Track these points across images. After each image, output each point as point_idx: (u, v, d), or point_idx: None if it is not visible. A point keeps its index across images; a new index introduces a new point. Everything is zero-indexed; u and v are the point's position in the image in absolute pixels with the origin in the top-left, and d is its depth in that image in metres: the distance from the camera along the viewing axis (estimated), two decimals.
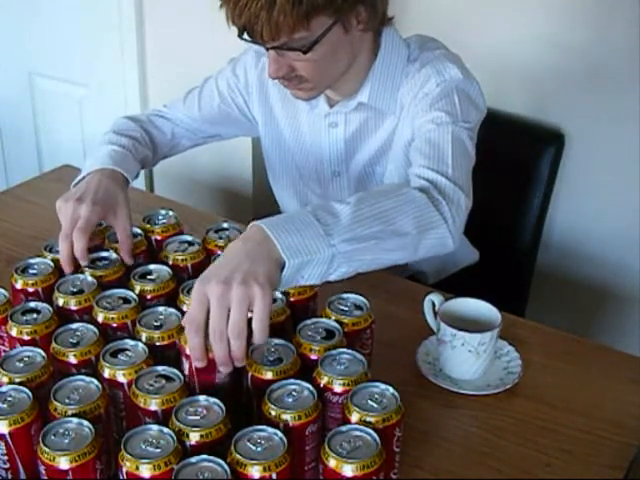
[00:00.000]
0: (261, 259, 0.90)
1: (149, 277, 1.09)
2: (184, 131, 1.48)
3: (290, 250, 0.91)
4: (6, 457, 0.85)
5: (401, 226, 1.00)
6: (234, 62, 1.47)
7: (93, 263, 1.12)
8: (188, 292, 1.05)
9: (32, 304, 1.03)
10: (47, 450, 0.79)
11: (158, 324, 0.99)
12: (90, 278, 1.08)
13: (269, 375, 0.90)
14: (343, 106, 1.33)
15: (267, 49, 1.15)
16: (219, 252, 1.15)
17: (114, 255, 1.14)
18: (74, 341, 0.96)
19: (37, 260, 1.12)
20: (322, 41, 1.14)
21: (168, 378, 0.90)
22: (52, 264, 1.11)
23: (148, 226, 1.21)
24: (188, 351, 0.89)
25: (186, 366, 0.92)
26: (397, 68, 1.28)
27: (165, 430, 0.82)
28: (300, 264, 0.92)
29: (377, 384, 0.89)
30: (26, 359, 0.93)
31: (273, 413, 0.85)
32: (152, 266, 1.11)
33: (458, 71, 1.24)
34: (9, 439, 0.84)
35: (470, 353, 1.07)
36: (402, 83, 1.28)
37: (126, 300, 1.03)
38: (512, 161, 1.37)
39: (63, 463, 0.79)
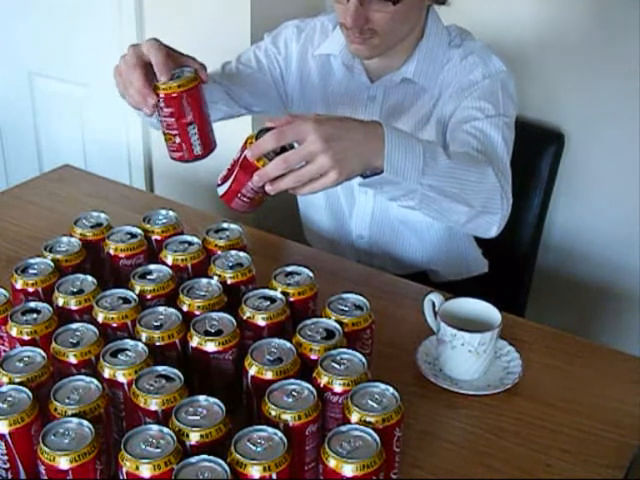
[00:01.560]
0: (364, 154, 1.02)
1: (149, 277, 1.09)
2: (224, 94, 1.44)
3: (391, 165, 1.02)
4: (6, 457, 0.85)
5: (473, 199, 1.14)
6: (273, 35, 1.50)
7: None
8: (188, 292, 1.05)
9: (32, 304, 1.03)
10: (47, 450, 0.79)
11: (158, 324, 0.99)
12: (90, 278, 1.08)
13: (269, 375, 0.90)
14: (387, 80, 1.38)
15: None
16: (219, 252, 1.15)
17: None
18: (74, 341, 0.96)
19: (37, 260, 1.12)
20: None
21: (168, 378, 0.90)
22: (52, 264, 1.11)
23: (148, 226, 1.21)
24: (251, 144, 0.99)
25: (236, 156, 1.02)
26: (440, 49, 1.37)
27: (165, 430, 0.82)
28: (389, 180, 1.04)
29: (377, 384, 0.89)
30: (26, 359, 0.93)
31: (273, 413, 0.85)
32: (152, 266, 1.11)
33: (502, 64, 1.34)
34: (9, 439, 0.84)
35: (470, 353, 1.07)
36: (445, 65, 1.36)
37: (126, 300, 1.03)
38: (512, 161, 1.38)
39: (63, 463, 0.79)
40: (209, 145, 1.16)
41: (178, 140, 1.13)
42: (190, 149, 1.14)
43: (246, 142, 1.02)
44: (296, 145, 0.99)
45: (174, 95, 1.10)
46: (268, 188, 1.01)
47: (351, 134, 1.01)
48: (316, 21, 1.48)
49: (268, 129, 1.01)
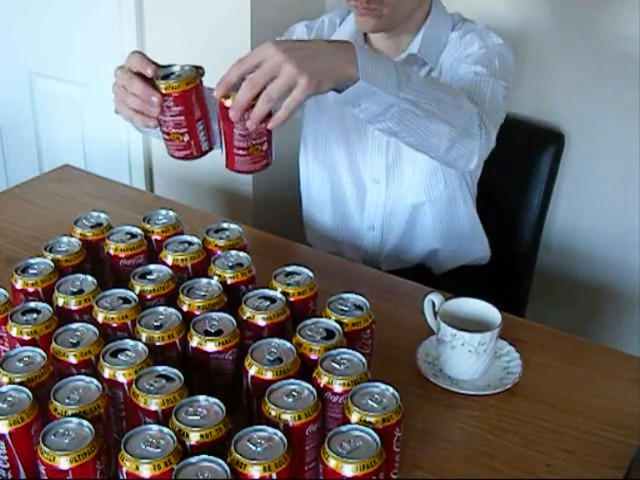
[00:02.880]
0: (332, 62, 1.00)
1: (149, 277, 1.09)
2: None
3: (366, 73, 1.00)
4: (6, 457, 0.85)
5: (451, 118, 1.13)
6: (285, 36, 1.51)
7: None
8: (188, 292, 1.05)
9: (32, 304, 1.03)
10: (47, 450, 0.79)
11: (158, 324, 0.99)
12: (90, 278, 1.08)
13: (269, 375, 0.90)
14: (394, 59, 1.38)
15: None
16: (219, 252, 1.15)
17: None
18: (74, 341, 0.96)
19: (37, 260, 1.12)
20: None
21: (168, 378, 0.90)
22: (52, 264, 1.11)
23: (148, 226, 1.21)
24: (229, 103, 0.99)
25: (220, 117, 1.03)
26: (444, 31, 1.40)
27: (165, 430, 0.82)
28: (366, 90, 1.01)
29: (377, 384, 0.89)
30: (26, 359, 0.93)
31: (273, 413, 0.85)
32: (152, 266, 1.11)
33: (500, 38, 1.37)
34: (9, 439, 0.84)
35: (470, 353, 1.07)
36: (446, 45, 1.39)
37: (126, 300, 1.03)
38: (512, 161, 1.38)
39: (63, 463, 0.79)
40: (213, 141, 1.16)
41: (187, 138, 1.12)
42: (198, 146, 1.13)
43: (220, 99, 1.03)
44: None
45: (184, 93, 1.08)
46: (248, 124, 0.99)
47: (314, 45, 1.04)
48: (323, 17, 1.51)
49: (167, 66, 1.05)
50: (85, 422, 0.83)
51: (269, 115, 1.01)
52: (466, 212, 1.54)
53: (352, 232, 1.56)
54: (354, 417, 0.85)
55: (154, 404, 0.86)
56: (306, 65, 0.96)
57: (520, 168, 1.37)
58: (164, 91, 1.08)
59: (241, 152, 1.05)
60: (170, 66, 1.12)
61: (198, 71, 1.11)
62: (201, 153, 1.15)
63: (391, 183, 1.48)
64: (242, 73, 0.98)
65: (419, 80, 1.11)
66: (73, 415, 0.84)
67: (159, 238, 1.20)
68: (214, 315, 1.00)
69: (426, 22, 1.40)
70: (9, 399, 0.86)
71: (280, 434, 0.82)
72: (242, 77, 0.99)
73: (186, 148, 1.13)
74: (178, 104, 1.09)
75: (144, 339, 0.96)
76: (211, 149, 1.16)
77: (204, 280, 1.08)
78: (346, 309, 1.03)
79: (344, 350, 0.94)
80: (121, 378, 0.91)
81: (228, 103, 1.01)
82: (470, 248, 1.59)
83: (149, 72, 1.09)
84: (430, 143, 1.15)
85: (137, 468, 0.78)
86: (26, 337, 0.98)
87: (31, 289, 1.07)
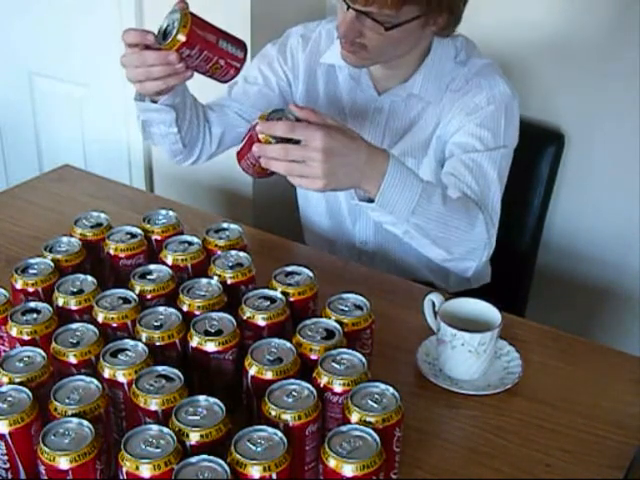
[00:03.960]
0: (356, 179, 1.09)
1: (149, 277, 1.09)
2: (236, 116, 1.45)
3: (383, 200, 1.10)
4: (6, 457, 0.85)
5: (455, 247, 1.21)
6: (278, 45, 1.49)
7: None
8: (188, 292, 1.05)
9: (32, 304, 1.03)
10: (47, 450, 0.79)
11: (158, 324, 0.99)
12: (90, 278, 1.08)
13: (269, 375, 0.90)
14: (393, 95, 1.38)
15: (349, 8, 1.20)
16: (219, 252, 1.15)
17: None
18: (74, 341, 0.96)
19: (37, 260, 1.12)
20: (403, 27, 1.21)
21: (168, 378, 0.90)
22: (52, 264, 1.11)
23: (148, 226, 1.21)
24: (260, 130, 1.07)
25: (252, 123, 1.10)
26: (446, 65, 1.36)
27: (165, 430, 0.82)
28: (378, 212, 1.12)
29: (377, 384, 0.89)
30: (26, 359, 0.93)
31: (273, 413, 0.85)
32: (152, 266, 1.11)
33: (507, 87, 1.34)
34: (9, 439, 0.84)
35: (470, 353, 1.07)
36: (450, 83, 1.36)
37: (126, 300, 1.03)
38: (512, 161, 1.38)
39: (63, 463, 0.79)
40: (241, 43, 1.18)
41: (223, 62, 1.15)
42: (236, 58, 1.16)
43: (260, 117, 1.09)
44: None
45: (190, 35, 1.10)
46: (262, 161, 1.08)
47: (354, 156, 1.07)
48: (321, 28, 1.46)
49: (280, 110, 1.09)
50: (85, 422, 0.83)
51: None
52: None
53: (349, 240, 1.55)
54: (354, 417, 0.85)
55: (154, 404, 0.86)
56: (332, 175, 1.05)
57: (520, 168, 1.37)
58: (174, 48, 1.11)
59: (250, 161, 1.13)
60: (160, 27, 1.15)
61: (182, 9, 1.12)
62: (242, 61, 1.18)
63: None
64: (285, 137, 1.04)
65: (438, 208, 1.14)
66: (73, 415, 0.84)
67: (159, 238, 1.20)
68: (214, 315, 1.00)
69: (427, 59, 1.34)
70: (9, 399, 0.86)
71: (280, 434, 0.82)
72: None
73: (229, 68, 1.17)
74: (193, 46, 1.11)
75: (144, 339, 0.96)
76: (246, 50, 1.18)
77: (204, 280, 1.08)
78: (346, 309, 1.03)
79: (344, 350, 0.94)
80: (121, 378, 0.91)
81: (258, 127, 1.07)
82: (470, 278, 1.58)
83: (150, 38, 1.13)
84: (429, 254, 1.24)
85: (137, 468, 0.78)
86: (26, 337, 0.98)
87: (31, 289, 1.07)
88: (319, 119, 1.06)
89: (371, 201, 1.11)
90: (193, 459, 0.79)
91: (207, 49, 1.12)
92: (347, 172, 1.07)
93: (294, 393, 0.88)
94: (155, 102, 1.27)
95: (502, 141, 1.32)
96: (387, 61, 1.32)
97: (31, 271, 1.10)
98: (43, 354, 0.93)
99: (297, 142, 1.05)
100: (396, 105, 1.39)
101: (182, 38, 1.09)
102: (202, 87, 1.29)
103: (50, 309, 1.01)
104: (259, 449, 0.80)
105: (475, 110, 1.32)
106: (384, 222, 1.16)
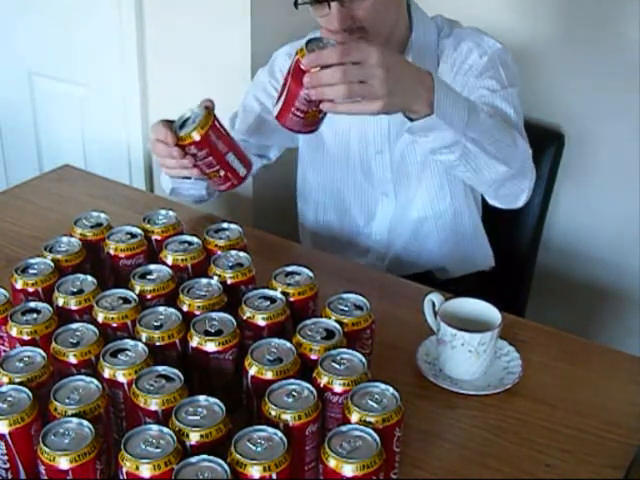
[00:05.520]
0: (410, 94, 1.05)
1: (149, 277, 1.09)
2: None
3: (440, 110, 1.06)
4: (6, 457, 0.85)
5: (510, 159, 1.18)
6: (267, 68, 1.51)
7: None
8: (188, 292, 1.05)
9: (32, 304, 1.03)
10: (47, 450, 0.79)
11: (158, 324, 0.99)
12: (90, 278, 1.08)
13: (269, 375, 0.91)
14: None
15: (329, 5, 1.21)
16: (219, 252, 1.15)
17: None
18: (74, 341, 0.96)
19: (37, 260, 1.12)
20: None
21: (168, 378, 0.90)
22: (52, 264, 1.11)
23: (148, 226, 1.21)
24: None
25: (288, 71, 1.04)
26: (432, 42, 1.38)
27: (165, 430, 0.82)
28: (436, 125, 1.07)
29: (377, 384, 0.89)
30: (26, 359, 0.93)
31: (273, 413, 0.85)
32: (152, 266, 1.11)
33: (495, 41, 1.37)
34: (9, 439, 0.84)
35: (470, 353, 1.07)
36: (441, 56, 1.37)
37: (126, 300, 1.03)
38: None
39: (63, 463, 0.79)
40: (248, 161, 1.21)
41: (223, 173, 1.18)
42: (236, 175, 1.19)
43: (297, 53, 1.03)
44: None
45: (203, 137, 1.13)
46: (316, 92, 1.01)
47: (406, 72, 1.05)
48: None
49: (315, 40, 1.04)
50: (85, 422, 0.83)
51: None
52: (471, 225, 1.53)
53: (355, 244, 1.55)
54: (354, 417, 0.85)
55: (154, 404, 0.86)
56: (392, 93, 1.01)
57: None
58: (185, 142, 1.14)
59: (298, 113, 1.06)
60: (183, 115, 1.17)
61: (208, 109, 1.14)
62: (241, 180, 1.21)
63: (399, 196, 1.47)
64: (341, 61, 0.99)
65: (486, 120, 1.14)
66: (73, 415, 0.84)
67: (159, 238, 1.20)
68: (214, 315, 1.00)
69: (412, 36, 1.37)
70: (9, 399, 0.86)
71: (280, 434, 0.82)
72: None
73: (226, 181, 1.20)
74: (202, 148, 1.14)
75: (144, 339, 0.96)
76: (250, 171, 1.21)
77: (204, 280, 1.08)
78: (346, 309, 1.03)
79: (344, 350, 0.94)
80: (121, 378, 0.91)
81: (305, 61, 1.01)
82: (474, 259, 1.60)
83: (170, 140, 1.15)
84: (485, 179, 1.21)
85: (137, 468, 0.78)
86: (26, 337, 0.98)
87: (31, 289, 1.07)
88: (361, 42, 1.04)
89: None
90: (193, 459, 0.79)
91: (214, 156, 1.15)
92: (403, 90, 1.04)
93: (294, 393, 0.88)
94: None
95: (506, 83, 1.33)
96: (385, 37, 1.32)
97: (31, 271, 1.10)
98: (43, 354, 0.93)
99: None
100: None
101: (196, 137, 1.12)
102: None
103: (50, 309, 1.01)
104: (259, 449, 0.80)
105: (471, 68, 1.35)
106: (439, 147, 1.12)
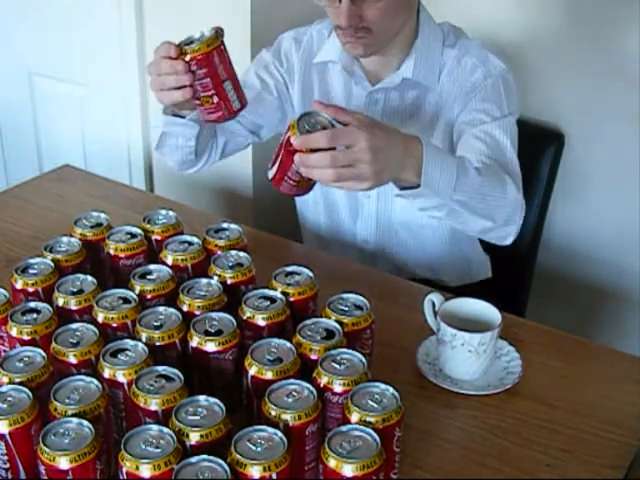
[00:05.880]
0: (397, 171, 1.07)
1: (149, 277, 1.09)
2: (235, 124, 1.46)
3: (427, 183, 1.08)
4: (6, 457, 0.85)
5: (497, 214, 1.21)
6: (273, 49, 1.50)
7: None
8: (188, 292, 1.05)
9: (32, 304, 1.03)
10: (47, 450, 0.79)
11: (158, 324, 0.99)
12: (90, 278, 1.08)
13: (269, 375, 0.90)
14: (388, 82, 1.38)
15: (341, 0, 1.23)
16: (219, 252, 1.15)
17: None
18: (74, 341, 0.96)
19: (37, 260, 1.12)
20: None
21: (168, 378, 0.90)
22: (52, 264, 1.11)
23: (148, 226, 1.21)
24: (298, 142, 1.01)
25: (282, 139, 1.04)
26: (436, 48, 1.38)
27: (165, 430, 0.82)
28: (422, 194, 1.10)
29: (377, 384, 0.89)
30: (26, 359, 0.93)
31: (273, 413, 0.85)
32: (152, 266, 1.11)
33: (500, 62, 1.37)
34: (9, 439, 0.84)
35: (470, 353, 1.07)
36: (444, 65, 1.38)
37: (126, 300, 1.03)
38: None
39: (63, 463, 0.79)
40: (244, 99, 1.17)
41: (216, 99, 1.14)
42: (229, 105, 1.15)
43: (289, 125, 1.03)
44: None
45: (206, 55, 1.11)
46: (306, 171, 1.02)
47: (393, 149, 1.06)
48: (311, 30, 1.48)
49: (306, 114, 1.03)
50: (85, 422, 0.83)
51: None
52: (467, 236, 1.53)
53: (350, 240, 1.55)
54: (354, 417, 0.85)
55: (154, 404, 0.86)
56: (379, 172, 1.03)
57: (520, 168, 1.38)
58: (187, 57, 1.11)
59: (291, 181, 1.07)
60: (191, 36, 1.14)
61: (217, 32, 1.13)
62: (233, 113, 1.17)
63: (382, 197, 1.46)
64: (329, 145, 1.00)
65: (475, 180, 1.15)
66: (73, 415, 0.84)
67: (159, 238, 1.20)
68: (214, 315, 1.00)
69: (417, 41, 1.37)
70: (9, 399, 0.86)
71: (280, 434, 0.82)
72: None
73: (217, 110, 1.15)
74: (202, 66, 1.11)
75: (144, 339, 0.96)
76: (243, 107, 1.18)
77: (204, 280, 1.08)
78: (346, 309, 1.03)
79: (344, 350, 0.94)
80: (121, 378, 0.91)
81: (295, 142, 1.01)
82: (470, 270, 1.59)
83: (172, 53, 1.12)
84: (471, 229, 1.25)
85: (137, 468, 0.78)
86: (26, 337, 0.98)
87: (31, 289, 1.07)
88: (352, 117, 1.03)
89: (407, 189, 1.11)
90: (193, 459, 0.79)
91: (212, 78, 1.12)
92: (390, 166, 1.06)
93: (294, 393, 0.88)
94: (181, 116, 1.28)
95: (507, 110, 1.33)
96: (388, 42, 1.33)
97: (31, 271, 1.10)
98: (43, 354, 0.93)
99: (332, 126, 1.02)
100: (391, 95, 1.40)
101: (198, 52, 1.11)
102: None
103: (50, 309, 1.01)
104: (259, 449, 0.80)
105: (474, 88, 1.35)
106: (427, 207, 1.15)
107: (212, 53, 1.11)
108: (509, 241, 1.28)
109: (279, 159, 1.06)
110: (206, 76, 1.12)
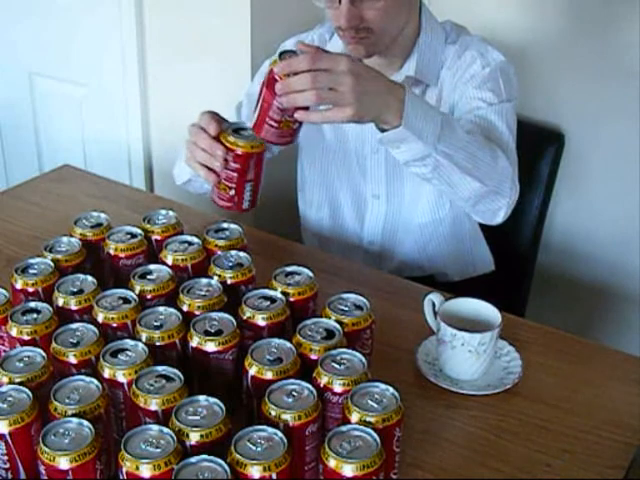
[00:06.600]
0: (382, 103, 1.05)
1: (149, 277, 1.09)
2: None
3: (407, 121, 1.06)
4: (6, 457, 0.85)
5: (484, 176, 1.17)
6: (277, 52, 1.49)
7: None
8: (188, 292, 1.05)
9: (32, 304, 1.03)
10: (47, 450, 0.79)
11: (158, 324, 0.99)
12: (90, 278, 1.08)
13: (269, 375, 0.90)
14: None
15: (340, 0, 1.23)
16: (219, 252, 1.15)
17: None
18: (74, 341, 0.96)
19: (37, 260, 1.12)
20: None
21: (168, 378, 0.90)
22: (52, 264, 1.11)
23: (148, 226, 1.21)
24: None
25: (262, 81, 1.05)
26: (439, 46, 1.38)
27: (165, 430, 0.82)
28: (405, 137, 1.08)
29: (377, 384, 0.89)
30: (26, 359, 0.93)
31: (273, 413, 0.85)
32: (152, 266, 1.11)
33: (499, 53, 1.37)
34: (9, 439, 0.84)
35: (470, 353, 1.07)
36: (445, 62, 1.38)
37: (126, 300, 1.03)
38: None
39: (63, 463, 0.79)
40: (255, 203, 1.21)
41: (232, 193, 1.17)
42: (240, 203, 1.19)
43: (271, 65, 1.04)
44: None
45: (246, 154, 1.13)
46: (287, 99, 1.02)
47: (376, 82, 1.06)
48: (312, 34, 1.49)
49: (289, 52, 1.05)
50: (85, 422, 0.83)
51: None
52: (471, 230, 1.54)
53: (350, 246, 1.55)
54: (354, 417, 0.85)
55: (154, 404, 0.86)
56: (362, 100, 1.02)
57: (520, 168, 1.37)
58: (229, 145, 1.13)
59: (272, 123, 1.06)
60: (242, 125, 1.18)
61: (264, 141, 1.13)
62: (240, 210, 1.20)
63: (391, 199, 1.47)
64: (311, 68, 1.01)
65: (462, 136, 1.15)
66: (73, 415, 0.84)
67: (159, 238, 1.20)
68: (214, 315, 1.00)
69: (419, 40, 1.37)
70: (9, 399, 0.86)
71: (280, 434, 0.82)
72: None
73: (229, 201, 1.19)
74: (237, 162, 1.14)
75: (144, 339, 0.96)
76: (251, 209, 1.21)
77: (204, 280, 1.08)
78: (346, 309, 1.03)
79: (344, 350, 0.94)
80: (121, 378, 0.91)
81: (277, 69, 1.02)
82: (474, 263, 1.60)
83: (211, 130, 1.15)
84: (460, 194, 1.20)
85: (137, 468, 0.78)
86: (26, 337, 0.98)
87: (31, 289, 1.07)
88: (335, 54, 1.05)
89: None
90: (193, 459, 0.79)
91: (239, 175, 1.15)
92: (372, 99, 1.04)
93: (294, 393, 0.88)
94: None
95: (504, 96, 1.33)
96: (391, 41, 1.33)
97: (31, 271, 1.10)
98: (43, 354, 0.93)
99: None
100: None
101: (240, 148, 1.13)
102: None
103: (50, 309, 1.01)
104: (259, 449, 0.80)
105: (472, 78, 1.34)
106: (411, 159, 1.12)
107: (252, 155, 1.14)
108: (500, 218, 1.26)
109: (260, 98, 1.06)
110: (236, 171, 1.15)
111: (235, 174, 1.15)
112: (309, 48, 1.05)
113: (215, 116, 1.18)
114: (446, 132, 1.11)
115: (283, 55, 1.05)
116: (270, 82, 1.03)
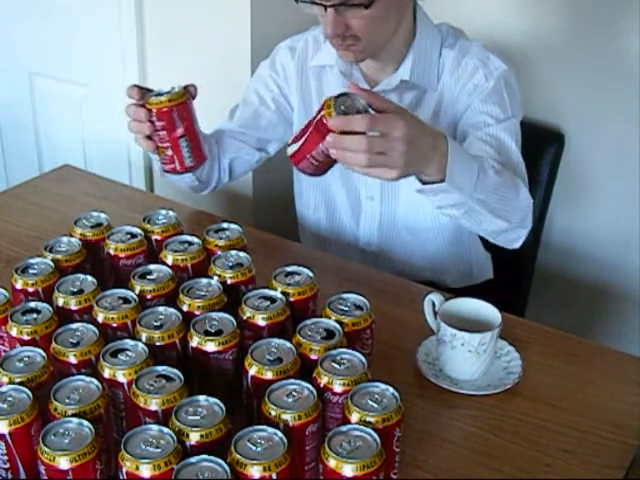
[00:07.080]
0: (423, 164, 1.06)
1: (149, 277, 1.09)
2: (238, 142, 1.49)
3: (452, 178, 1.08)
4: (6, 457, 0.85)
5: (512, 215, 1.22)
6: (269, 62, 1.52)
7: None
8: (188, 292, 1.05)
9: (32, 304, 1.03)
10: (47, 450, 0.79)
11: (158, 324, 0.99)
12: (90, 278, 1.08)
13: (269, 375, 0.91)
14: (385, 85, 1.38)
15: (326, 8, 1.22)
16: (219, 252, 1.15)
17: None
18: (74, 341, 0.96)
19: (37, 260, 1.12)
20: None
21: (168, 378, 0.90)
22: (52, 264, 1.11)
23: (148, 226, 1.21)
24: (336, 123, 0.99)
25: (312, 117, 1.03)
26: (434, 48, 1.37)
27: (165, 430, 0.82)
28: (446, 190, 1.09)
29: (377, 384, 0.89)
30: (26, 359, 0.93)
31: (273, 413, 0.85)
32: (152, 266, 1.11)
33: (500, 61, 1.37)
34: (9, 439, 0.84)
35: (470, 353, 1.07)
36: (443, 66, 1.37)
37: (126, 300, 1.03)
38: None
39: (63, 463, 0.79)
40: (200, 157, 1.23)
41: (170, 152, 1.20)
42: (181, 161, 1.21)
43: (324, 104, 1.01)
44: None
45: (165, 109, 1.18)
46: (332, 152, 1.01)
47: (424, 141, 1.05)
48: (307, 36, 1.49)
49: (343, 95, 1.02)
50: (85, 422, 0.83)
51: None
52: (471, 238, 1.54)
53: (348, 246, 1.55)
54: (354, 417, 0.85)
55: (154, 404, 0.86)
56: (408, 163, 1.02)
57: None
58: (149, 107, 1.19)
59: (313, 160, 1.05)
60: (164, 90, 1.21)
61: (187, 90, 1.18)
62: (185, 169, 1.23)
63: (385, 200, 1.47)
64: (366, 131, 0.99)
65: (493, 179, 1.16)
66: (73, 415, 0.84)
67: (159, 238, 1.20)
68: (214, 315, 1.00)
69: (414, 43, 1.36)
70: (9, 399, 0.86)
71: (280, 434, 0.82)
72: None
73: (171, 162, 1.22)
74: (161, 119, 1.18)
75: (144, 339, 0.96)
76: (197, 166, 1.23)
77: (204, 280, 1.08)
78: (346, 309, 1.03)
79: (344, 350, 0.94)
80: (121, 378, 0.91)
81: (331, 122, 0.99)
82: (472, 272, 1.60)
83: (134, 93, 1.21)
84: (484, 230, 1.25)
85: (137, 468, 0.78)
86: (26, 337, 0.98)
87: (31, 289, 1.07)
88: (388, 105, 1.03)
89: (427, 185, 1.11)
90: (193, 459, 0.79)
91: (167, 132, 1.19)
92: (419, 159, 1.05)
93: (294, 393, 0.88)
94: None
95: (510, 112, 1.34)
96: (381, 46, 1.32)
97: (31, 271, 1.10)
98: (43, 354, 0.93)
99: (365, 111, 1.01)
100: (390, 97, 1.39)
101: (159, 104, 1.18)
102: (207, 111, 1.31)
103: (50, 309, 1.01)
104: (259, 449, 0.80)
105: (476, 89, 1.35)
106: (445, 205, 1.14)
107: (172, 109, 1.17)
108: (518, 244, 1.29)
109: (306, 136, 1.04)
110: (163, 129, 1.19)
111: (164, 132, 1.19)
112: (364, 93, 1.02)
113: (136, 86, 1.22)
114: (481, 178, 1.13)
115: (339, 101, 1.01)
116: (320, 127, 1.01)
